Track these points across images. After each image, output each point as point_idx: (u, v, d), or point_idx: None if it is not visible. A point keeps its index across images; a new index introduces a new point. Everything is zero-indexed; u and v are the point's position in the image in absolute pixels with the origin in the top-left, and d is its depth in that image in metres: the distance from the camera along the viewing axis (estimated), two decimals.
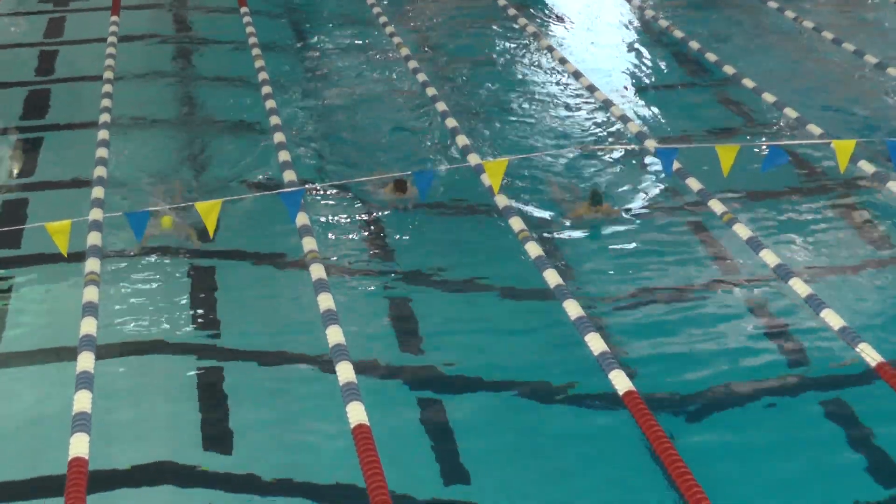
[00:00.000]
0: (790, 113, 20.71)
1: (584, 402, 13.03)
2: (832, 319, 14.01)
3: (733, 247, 16.22)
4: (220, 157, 19.56)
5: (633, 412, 12.30)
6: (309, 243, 15.89)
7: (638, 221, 16.91)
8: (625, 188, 17.95)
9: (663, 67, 24.06)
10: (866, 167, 18.23)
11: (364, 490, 11.12)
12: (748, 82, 22.30)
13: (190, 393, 13.07)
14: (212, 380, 13.33)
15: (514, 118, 21.26)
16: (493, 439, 12.36)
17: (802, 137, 19.51)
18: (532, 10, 27.42)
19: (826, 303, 14.35)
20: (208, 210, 13.31)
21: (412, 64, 23.47)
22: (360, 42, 25.54)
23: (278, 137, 19.70)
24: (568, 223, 16.81)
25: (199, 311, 14.64)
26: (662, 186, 18.10)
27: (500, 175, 14.33)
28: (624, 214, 17.05)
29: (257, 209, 17.06)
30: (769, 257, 15.57)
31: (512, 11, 26.92)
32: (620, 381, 12.76)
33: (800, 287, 14.79)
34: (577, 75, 23.00)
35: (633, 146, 19.60)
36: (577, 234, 16.60)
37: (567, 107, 21.72)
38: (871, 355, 13.22)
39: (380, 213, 17.23)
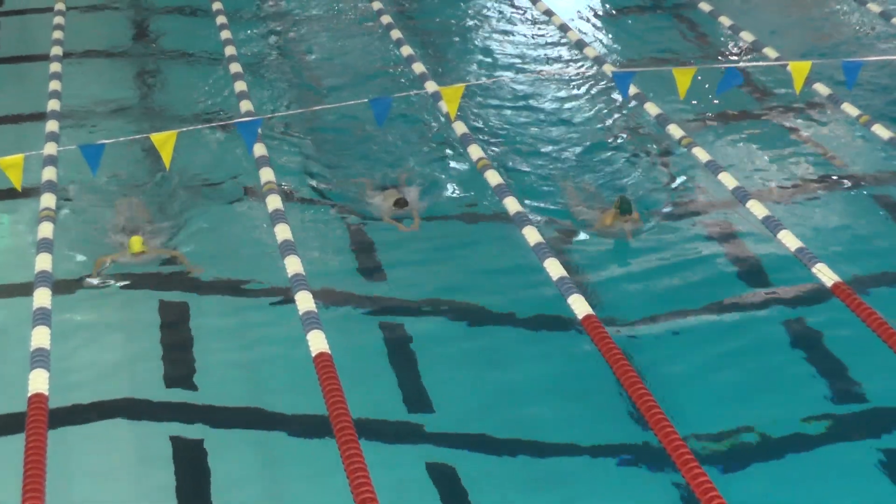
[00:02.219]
0: (746, 37, 20.69)
1: (543, 325, 13.14)
2: (789, 241, 14.10)
3: (693, 170, 16.29)
4: (176, 89, 19.39)
5: (591, 335, 12.36)
6: (266, 174, 15.78)
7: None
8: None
9: None
10: (821, 89, 18.27)
11: (327, 418, 11.12)
12: (705, 6, 22.25)
13: (152, 331, 13.06)
14: (174, 317, 13.33)
15: (472, 47, 21.16)
16: (453, 363, 12.49)
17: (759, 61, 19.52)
18: None
19: (783, 224, 14.43)
20: (163, 141, 13.16)
21: None
22: None
23: (234, 68, 19.51)
24: (587, 236, 14.95)
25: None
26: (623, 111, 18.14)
27: (456, 101, 14.25)
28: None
29: (215, 144, 17.00)
30: (727, 180, 15.63)
31: None
32: (579, 306, 12.82)
33: (757, 209, 14.87)
34: (534, 1, 22.88)
35: (590, 70, 19.56)
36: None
37: (524, 34, 21.59)
38: (827, 275, 13.32)
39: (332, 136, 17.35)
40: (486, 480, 10.72)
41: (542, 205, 15.48)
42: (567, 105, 18.63)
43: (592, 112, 18.41)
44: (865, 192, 15.85)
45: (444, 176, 16.44)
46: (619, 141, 17.48)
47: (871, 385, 12.00)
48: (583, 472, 10.87)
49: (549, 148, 17.27)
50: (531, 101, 18.78)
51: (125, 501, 10.60)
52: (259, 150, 16.25)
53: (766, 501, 10.51)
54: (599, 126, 17.98)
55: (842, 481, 10.70)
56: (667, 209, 15.45)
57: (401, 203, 15.29)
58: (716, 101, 17.97)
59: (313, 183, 16.18)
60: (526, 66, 19.99)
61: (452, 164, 16.79)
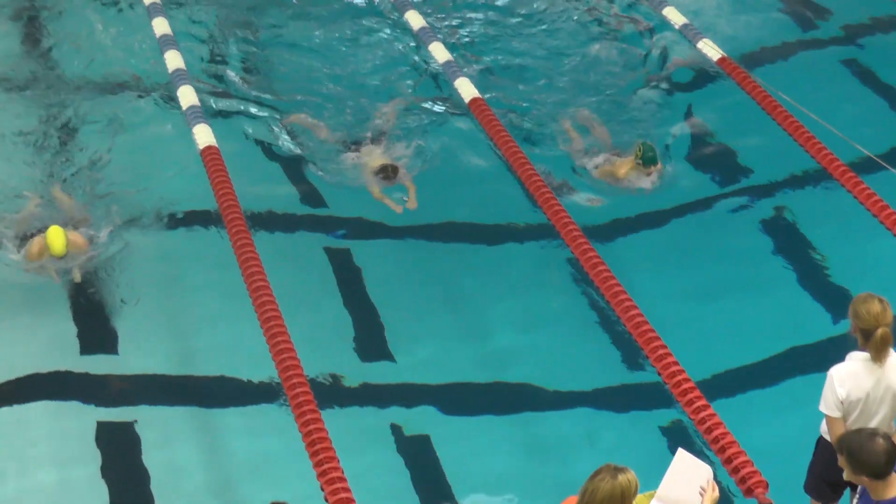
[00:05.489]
0: None
1: (435, 104, 13.05)
2: (674, 16, 14.06)
3: None
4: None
5: (479, 118, 12.33)
6: None
7: None
8: None
9: None
10: None
11: (218, 213, 11.04)
12: None
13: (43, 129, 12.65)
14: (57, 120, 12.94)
15: None
16: None
17: None
18: None
19: (667, 1, 14.37)
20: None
21: None
22: None
23: None
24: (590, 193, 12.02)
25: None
26: None
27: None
28: None
29: None
30: None
31: None
32: (466, 89, 12.72)
33: None
34: None
35: None
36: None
37: None
38: (713, 48, 13.34)
39: None
40: None
41: (534, 151, 12.36)
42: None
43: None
44: None
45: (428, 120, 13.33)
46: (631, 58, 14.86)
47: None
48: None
49: (542, 71, 14.09)
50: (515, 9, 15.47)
51: None
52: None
53: None
54: (603, 37, 15.12)
55: None
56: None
57: (389, 173, 11.93)
58: None
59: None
60: None
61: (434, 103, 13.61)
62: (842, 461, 6.02)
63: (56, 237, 10.48)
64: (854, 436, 6.03)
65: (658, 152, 11.84)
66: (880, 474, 5.90)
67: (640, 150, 11.70)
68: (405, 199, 11.69)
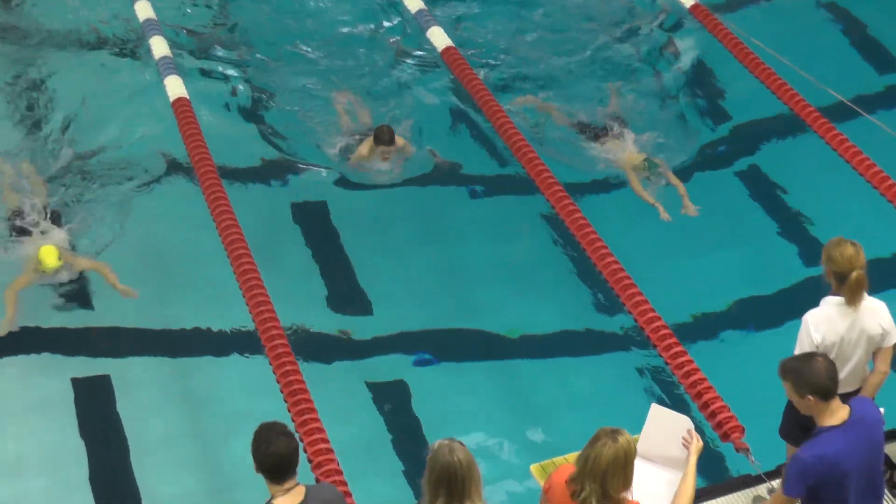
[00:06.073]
0: None
1: (407, 56, 12.98)
2: None
3: None
4: None
5: (452, 68, 12.29)
6: None
7: None
8: None
9: None
10: None
11: (189, 164, 10.97)
12: None
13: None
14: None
15: None
16: None
17: None
18: None
19: None
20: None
21: None
22: None
23: None
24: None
25: None
26: None
27: None
28: None
29: None
30: None
31: None
32: (439, 39, 12.66)
33: None
34: None
35: None
36: None
37: None
38: None
39: None
40: None
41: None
42: None
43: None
44: None
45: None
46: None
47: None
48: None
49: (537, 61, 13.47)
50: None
51: None
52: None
53: None
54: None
55: None
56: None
57: (384, 137, 11.29)
58: None
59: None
60: None
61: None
62: (788, 388, 6.03)
63: (48, 255, 9.88)
64: (794, 359, 6.10)
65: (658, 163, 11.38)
66: (824, 392, 5.92)
67: (645, 168, 11.27)
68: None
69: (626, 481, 5.50)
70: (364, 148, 11.41)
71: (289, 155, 11.68)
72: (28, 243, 10.29)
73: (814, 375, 5.92)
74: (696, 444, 6.40)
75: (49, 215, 10.63)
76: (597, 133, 11.65)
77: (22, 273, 9.99)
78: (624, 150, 11.47)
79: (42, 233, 10.40)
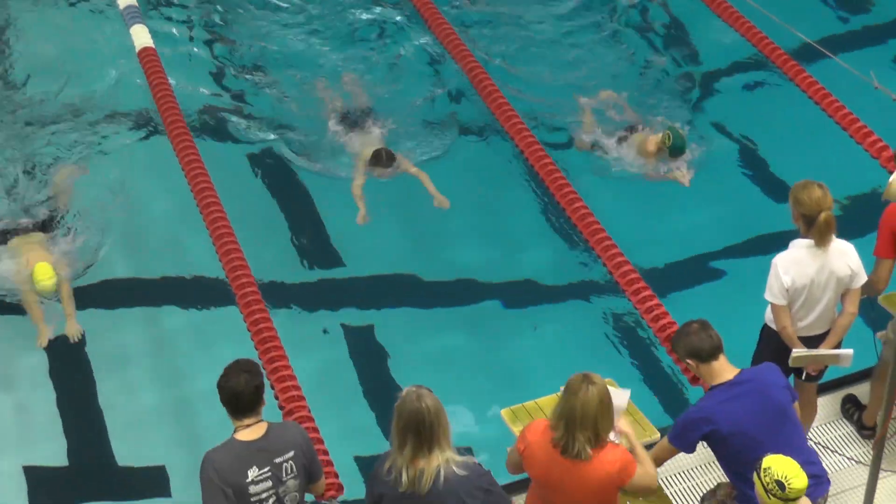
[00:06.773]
0: None
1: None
2: None
3: None
4: None
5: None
6: None
7: None
8: None
9: None
10: None
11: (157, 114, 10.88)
12: None
13: None
14: None
15: None
16: None
17: None
18: None
19: None
20: None
21: None
22: None
23: None
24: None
25: None
26: None
27: None
28: None
29: None
30: None
31: None
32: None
33: None
34: None
35: None
36: None
37: None
38: None
39: None
40: None
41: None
42: None
43: None
44: None
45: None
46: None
47: None
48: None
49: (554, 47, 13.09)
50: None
51: None
52: None
53: None
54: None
55: None
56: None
57: (382, 159, 10.64)
58: None
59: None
60: None
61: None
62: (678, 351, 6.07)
63: (43, 273, 9.42)
64: (676, 331, 6.17)
65: (686, 141, 10.75)
66: (698, 353, 5.94)
67: (668, 139, 10.62)
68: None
69: (612, 420, 5.53)
70: (360, 171, 10.72)
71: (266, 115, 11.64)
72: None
73: (687, 340, 6.00)
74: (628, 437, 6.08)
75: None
76: (623, 135, 11.04)
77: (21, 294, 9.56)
78: (646, 138, 10.87)
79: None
